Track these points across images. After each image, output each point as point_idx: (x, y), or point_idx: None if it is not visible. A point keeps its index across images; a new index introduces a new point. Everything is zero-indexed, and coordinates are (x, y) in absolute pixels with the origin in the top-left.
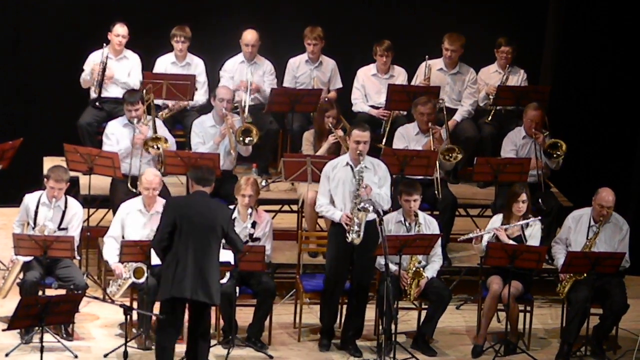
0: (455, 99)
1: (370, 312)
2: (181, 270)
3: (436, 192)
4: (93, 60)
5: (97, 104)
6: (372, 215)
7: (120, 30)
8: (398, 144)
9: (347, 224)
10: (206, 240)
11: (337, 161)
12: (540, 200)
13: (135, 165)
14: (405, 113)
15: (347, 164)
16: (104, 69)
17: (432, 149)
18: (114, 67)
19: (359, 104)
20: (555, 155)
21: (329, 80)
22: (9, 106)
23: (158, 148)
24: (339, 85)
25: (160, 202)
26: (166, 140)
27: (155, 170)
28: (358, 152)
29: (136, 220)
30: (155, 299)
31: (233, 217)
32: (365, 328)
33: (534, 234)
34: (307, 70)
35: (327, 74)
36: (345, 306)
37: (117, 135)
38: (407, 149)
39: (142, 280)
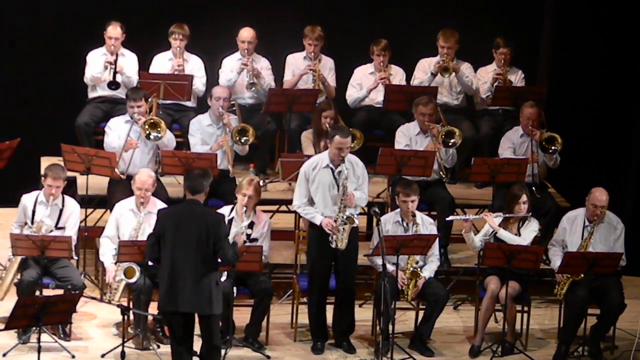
0: (454, 95)
1: (367, 312)
2: (166, 283)
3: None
4: (94, 59)
5: (113, 86)
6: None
7: (112, 32)
8: (400, 142)
9: (330, 231)
10: (191, 250)
11: (317, 161)
12: (534, 188)
13: (134, 164)
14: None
15: (327, 165)
16: (116, 60)
17: (434, 149)
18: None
19: (354, 95)
20: (551, 150)
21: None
22: (6, 106)
23: (158, 134)
24: (333, 84)
25: (153, 203)
26: (165, 125)
27: (149, 171)
28: (340, 158)
29: (128, 220)
30: (150, 298)
31: (230, 216)
32: (362, 328)
33: (527, 233)
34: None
35: (325, 72)
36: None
37: (118, 131)
38: (405, 149)
39: (134, 279)
